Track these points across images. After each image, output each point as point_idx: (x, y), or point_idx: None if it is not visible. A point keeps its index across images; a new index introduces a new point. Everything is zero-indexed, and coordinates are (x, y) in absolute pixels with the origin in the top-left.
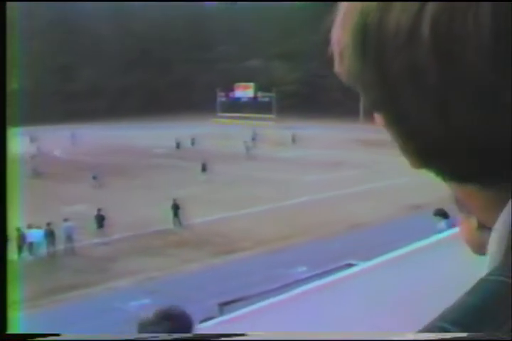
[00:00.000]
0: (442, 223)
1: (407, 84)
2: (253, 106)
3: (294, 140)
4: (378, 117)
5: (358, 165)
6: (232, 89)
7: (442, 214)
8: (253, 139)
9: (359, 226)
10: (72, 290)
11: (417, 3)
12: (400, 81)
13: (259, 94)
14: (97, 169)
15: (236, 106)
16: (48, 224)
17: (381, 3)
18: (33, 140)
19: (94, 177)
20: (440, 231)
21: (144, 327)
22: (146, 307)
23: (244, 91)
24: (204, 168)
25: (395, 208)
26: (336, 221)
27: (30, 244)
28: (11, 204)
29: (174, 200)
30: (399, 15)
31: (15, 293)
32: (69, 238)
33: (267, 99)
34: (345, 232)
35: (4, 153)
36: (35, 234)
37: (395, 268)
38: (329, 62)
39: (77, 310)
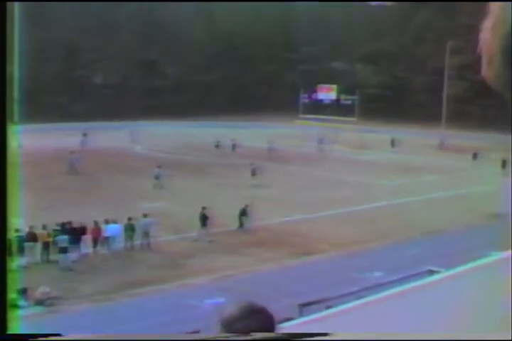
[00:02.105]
0: None
1: None
2: (335, 109)
3: (393, 144)
4: None
5: (437, 171)
6: (314, 91)
7: None
8: (320, 141)
9: (436, 232)
10: (147, 285)
11: None
12: None
13: (342, 96)
14: (159, 169)
15: (318, 108)
16: (129, 219)
17: None
18: (85, 135)
19: (157, 177)
20: None
21: (230, 324)
22: (221, 305)
23: (327, 93)
24: (254, 173)
25: (474, 216)
26: (413, 227)
27: (106, 239)
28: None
29: (246, 206)
30: None
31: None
32: (146, 233)
33: (349, 102)
34: (421, 238)
35: (4, 150)
36: (112, 229)
37: (481, 277)
38: (414, 65)
39: (150, 306)
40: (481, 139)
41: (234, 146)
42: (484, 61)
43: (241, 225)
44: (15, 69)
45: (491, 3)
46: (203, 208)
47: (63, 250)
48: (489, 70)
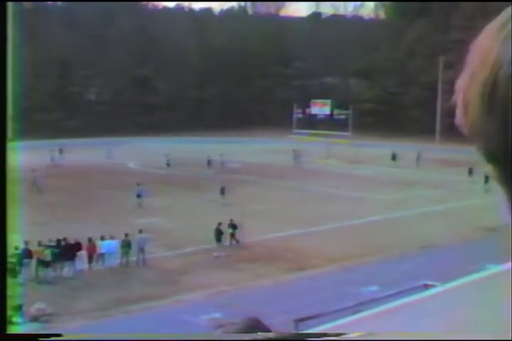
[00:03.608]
0: None
1: None
2: (329, 123)
3: (394, 158)
4: (491, 169)
5: (432, 185)
6: (308, 106)
7: None
8: (295, 157)
9: (431, 247)
10: (142, 301)
11: None
12: None
13: (336, 111)
14: (140, 188)
15: (312, 123)
16: (126, 235)
17: None
18: (61, 152)
19: (139, 196)
20: None
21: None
22: (216, 321)
23: (321, 108)
24: (223, 191)
25: (469, 230)
26: (408, 241)
27: (102, 255)
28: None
29: (231, 220)
30: None
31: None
32: (141, 249)
33: (343, 117)
34: (417, 253)
35: (4, 165)
36: (108, 245)
37: (477, 291)
38: (407, 79)
39: (146, 322)
40: (474, 154)
41: (209, 162)
42: (459, 110)
43: (235, 241)
44: (8, 85)
45: (468, 57)
46: (219, 224)
47: (46, 264)
48: (464, 119)
